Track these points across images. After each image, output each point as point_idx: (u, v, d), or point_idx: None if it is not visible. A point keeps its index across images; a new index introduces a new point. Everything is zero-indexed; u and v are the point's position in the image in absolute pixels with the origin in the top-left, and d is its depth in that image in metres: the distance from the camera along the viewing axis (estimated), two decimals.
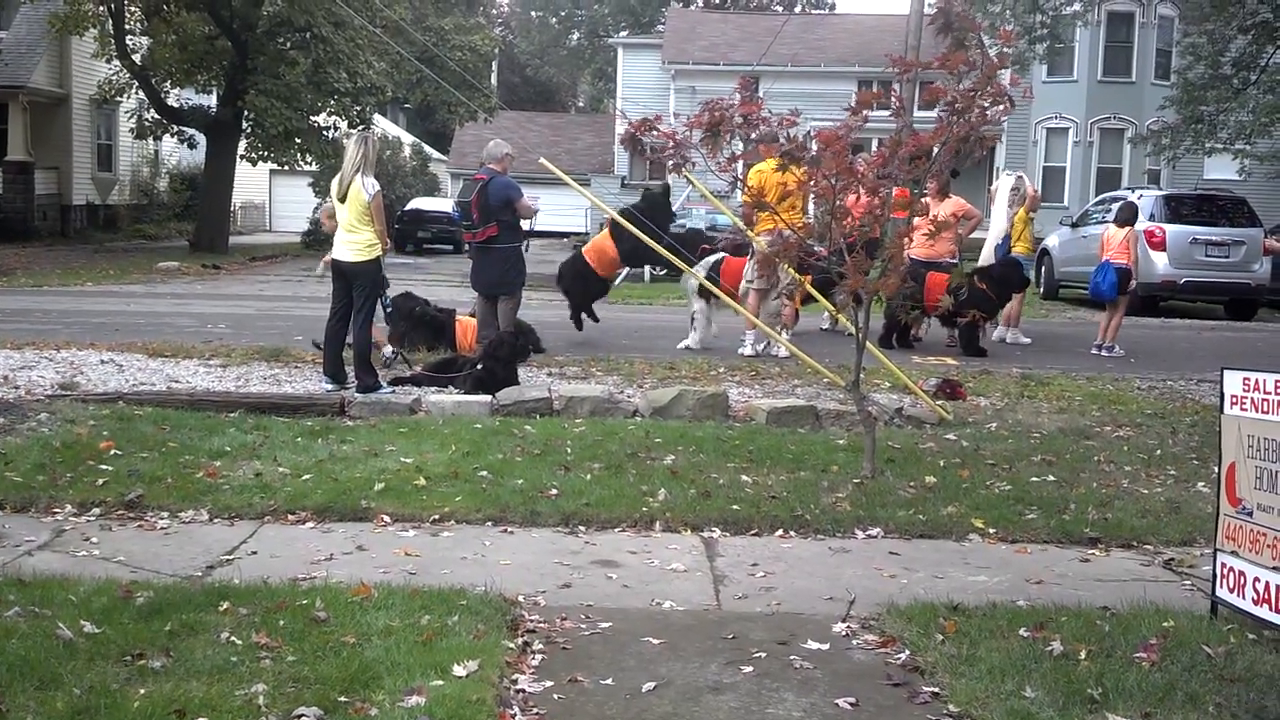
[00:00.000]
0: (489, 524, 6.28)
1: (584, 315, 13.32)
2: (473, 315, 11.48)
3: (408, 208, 37.26)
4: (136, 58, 29.95)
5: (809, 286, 11.18)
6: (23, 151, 30.97)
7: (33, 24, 30.76)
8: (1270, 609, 4.68)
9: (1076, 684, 4.15)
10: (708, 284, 11.64)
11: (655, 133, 7.83)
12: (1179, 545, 6.26)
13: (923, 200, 7.98)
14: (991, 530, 6.36)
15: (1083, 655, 4.42)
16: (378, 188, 9.33)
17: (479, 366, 9.66)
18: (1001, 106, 7.53)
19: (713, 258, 12.55)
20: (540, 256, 27.07)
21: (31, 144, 31.22)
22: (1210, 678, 4.27)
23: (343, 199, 9.27)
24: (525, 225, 11.13)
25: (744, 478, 7.16)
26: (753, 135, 7.98)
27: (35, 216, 31.27)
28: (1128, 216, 13.89)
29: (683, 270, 11.73)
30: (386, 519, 6.25)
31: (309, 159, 31.69)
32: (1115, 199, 18.83)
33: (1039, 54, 25.08)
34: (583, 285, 13.27)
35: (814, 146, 7.66)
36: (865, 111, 7.36)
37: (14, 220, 30.34)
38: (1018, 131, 33.38)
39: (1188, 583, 5.64)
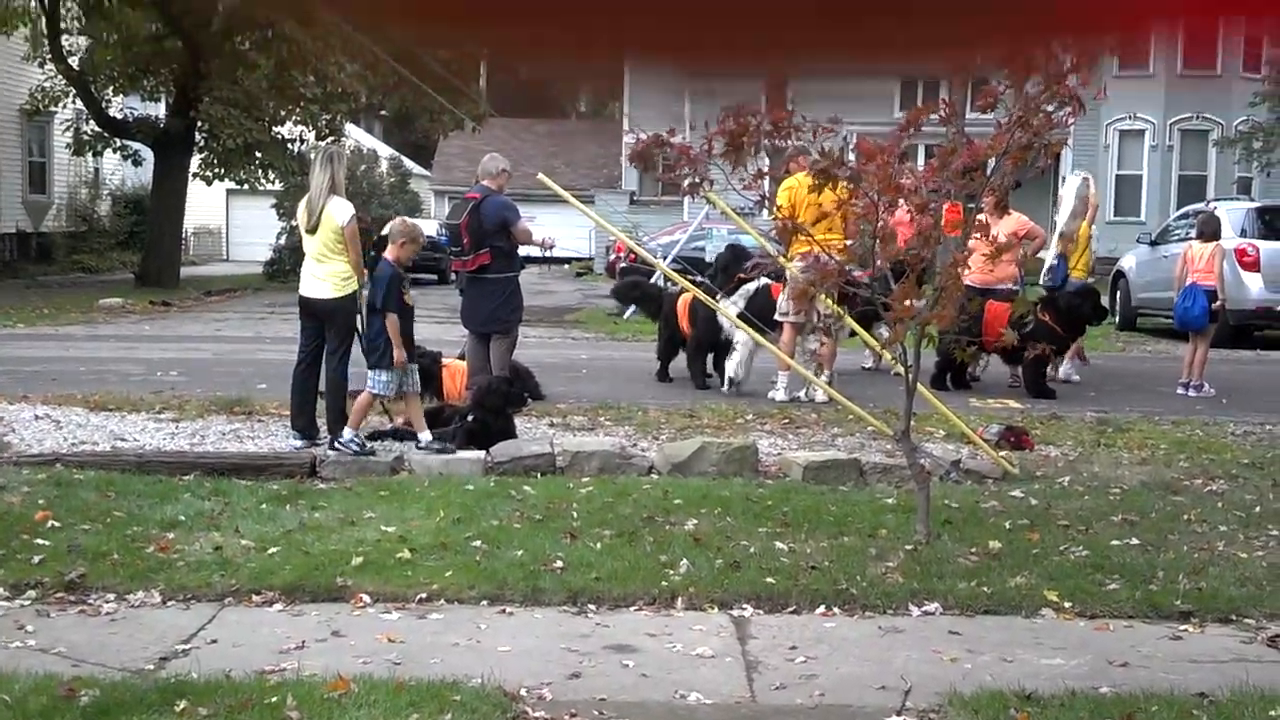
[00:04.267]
0: (484, 603, 6.27)
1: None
2: (462, 358, 11.50)
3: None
4: (73, 61, 30.05)
5: (850, 320, 11.21)
6: None
7: None
8: None
9: None
10: (740, 322, 11.60)
11: (668, 148, 7.88)
12: None
13: (979, 218, 8.01)
14: (1067, 604, 6.33)
15: None
16: (352, 211, 9.40)
17: (469, 418, 9.68)
18: (1069, 109, 7.56)
19: (753, 285, 12.46)
20: (539, 287, 27.19)
21: None
22: None
23: (313, 229, 9.33)
24: (539, 252, 11.17)
25: (779, 545, 7.14)
26: (783, 145, 8.02)
27: None
28: (1213, 230, 13.89)
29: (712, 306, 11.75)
30: (366, 599, 6.25)
31: (272, 177, 31.86)
32: (1199, 212, 18.83)
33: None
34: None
35: (853, 159, 7.69)
36: (914, 123, 7.39)
37: None
38: (1086, 134, 33.45)
39: None
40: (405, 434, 9.82)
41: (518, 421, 10.02)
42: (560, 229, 16.79)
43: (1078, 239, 14.55)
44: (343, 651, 5.54)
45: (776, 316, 12.25)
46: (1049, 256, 14.54)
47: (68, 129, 32.00)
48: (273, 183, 32.78)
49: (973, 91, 10.56)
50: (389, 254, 9.49)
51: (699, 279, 12.96)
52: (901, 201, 7.56)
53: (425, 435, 9.40)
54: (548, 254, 12.62)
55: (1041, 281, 14.29)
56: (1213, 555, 7.18)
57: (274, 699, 4.73)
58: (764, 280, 12.33)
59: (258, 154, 30.26)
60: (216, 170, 30.69)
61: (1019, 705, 4.85)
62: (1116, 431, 10.80)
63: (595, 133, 51.15)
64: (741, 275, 12.60)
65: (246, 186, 33.65)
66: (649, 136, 8.09)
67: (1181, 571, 6.80)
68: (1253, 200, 23.26)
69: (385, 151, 49.29)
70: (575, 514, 7.68)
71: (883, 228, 7.54)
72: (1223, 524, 7.89)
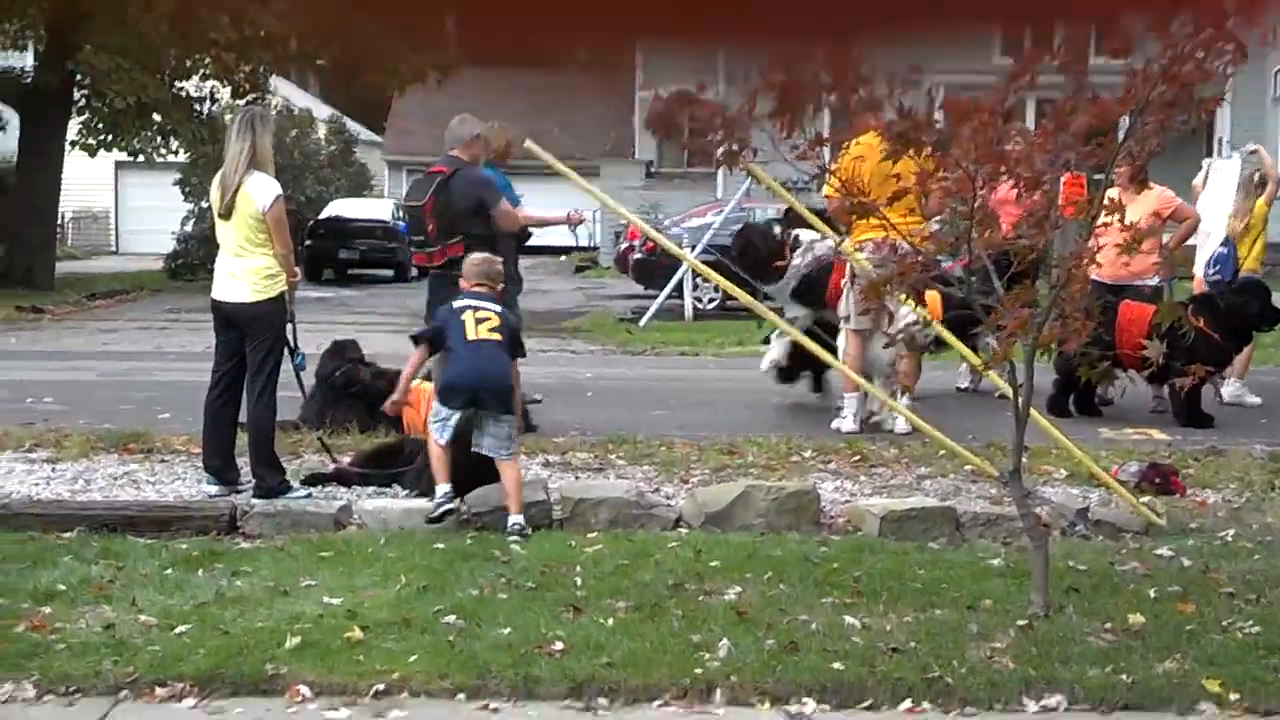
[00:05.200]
0: (461, 697, 6.27)
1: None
2: (429, 379, 11.52)
3: (324, 215, 37.58)
4: None
5: (939, 327, 11.20)
6: None
7: None
8: None
9: None
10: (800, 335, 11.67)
11: (697, 108, 7.87)
12: None
13: (1109, 196, 7.99)
14: (1233, 695, 6.30)
15: None
16: (278, 190, 9.38)
17: None
18: (1228, 55, 7.54)
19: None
20: (530, 285, 27.17)
21: None
22: None
23: (227, 214, 9.32)
24: (567, 232, 11.25)
25: (848, 620, 7.13)
26: (851, 99, 8.03)
27: None
28: None
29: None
30: (305, 692, 6.25)
31: (174, 145, 31.95)
32: None
33: None
34: None
35: (941, 119, 7.68)
36: (1024, 73, 7.36)
37: None
38: (1250, 86, 33.33)
39: None
40: (353, 476, 9.83)
41: None
42: (554, 211, 16.87)
43: (1251, 221, 14.37)
44: None
45: (841, 323, 12.25)
46: (1208, 245, 14.41)
47: None
48: (175, 153, 32.89)
49: (1099, 30, 10.57)
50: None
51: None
52: (1006, 174, 7.55)
53: (443, 487, 8.91)
54: (575, 231, 12.75)
55: (1206, 276, 14.13)
56: None
57: None
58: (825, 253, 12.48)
59: (155, 116, 30.32)
60: (102, 137, 30.77)
61: None
62: None
63: (600, 88, 51.08)
64: (778, 264, 12.73)
65: (141, 158, 33.82)
66: (671, 93, 8.08)
67: None
68: None
69: (323, 112, 49.56)
70: (579, 581, 7.68)
71: (980, 208, 7.53)
72: None
